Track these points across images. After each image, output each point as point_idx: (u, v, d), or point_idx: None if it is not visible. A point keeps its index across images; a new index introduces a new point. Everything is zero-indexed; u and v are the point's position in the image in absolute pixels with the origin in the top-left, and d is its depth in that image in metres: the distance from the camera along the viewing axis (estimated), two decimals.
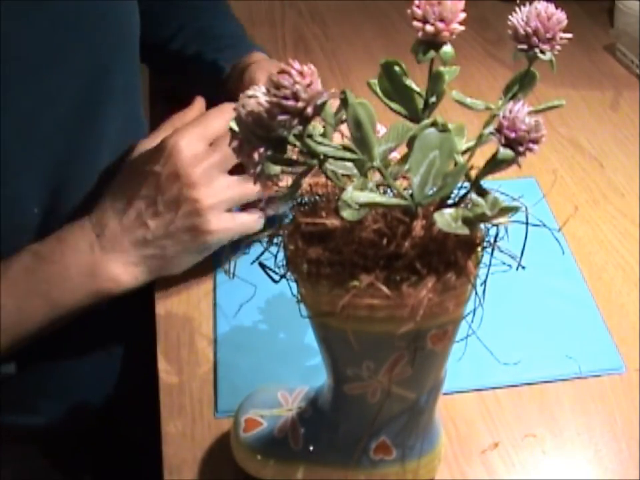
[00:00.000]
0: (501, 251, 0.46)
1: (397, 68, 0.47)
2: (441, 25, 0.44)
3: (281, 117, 0.40)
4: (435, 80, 0.46)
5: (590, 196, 0.85)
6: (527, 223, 0.46)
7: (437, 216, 0.41)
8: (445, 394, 0.59)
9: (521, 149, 0.42)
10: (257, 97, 0.42)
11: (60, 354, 0.77)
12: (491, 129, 0.43)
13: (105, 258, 0.64)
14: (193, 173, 0.64)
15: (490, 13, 1.17)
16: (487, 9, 1.17)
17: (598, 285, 0.75)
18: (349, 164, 0.45)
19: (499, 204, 0.42)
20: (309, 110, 0.40)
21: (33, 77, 0.64)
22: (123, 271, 0.64)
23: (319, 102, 0.41)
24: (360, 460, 0.56)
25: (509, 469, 0.60)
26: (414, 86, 0.47)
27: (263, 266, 0.50)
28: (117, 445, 0.81)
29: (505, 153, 0.42)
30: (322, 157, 0.44)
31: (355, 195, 0.42)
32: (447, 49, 0.45)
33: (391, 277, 0.44)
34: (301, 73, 0.40)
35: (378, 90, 0.48)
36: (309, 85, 0.40)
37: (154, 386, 0.67)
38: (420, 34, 0.44)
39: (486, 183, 0.44)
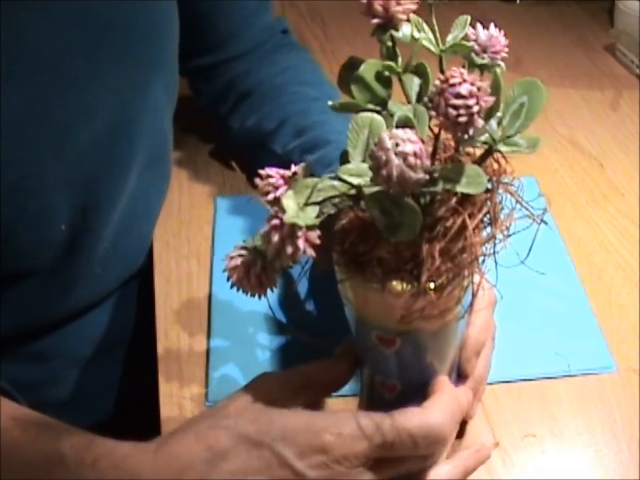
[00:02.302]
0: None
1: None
2: (396, 8, 0.45)
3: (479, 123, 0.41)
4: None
5: (590, 196, 0.85)
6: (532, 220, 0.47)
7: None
8: None
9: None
10: (402, 136, 0.41)
11: (60, 360, 0.77)
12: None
13: None
14: None
15: (490, 13, 1.17)
16: (487, 9, 1.17)
17: (598, 285, 0.75)
18: None
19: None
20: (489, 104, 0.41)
21: (70, 91, 0.63)
22: None
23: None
24: None
25: (508, 469, 0.60)
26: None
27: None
28: None
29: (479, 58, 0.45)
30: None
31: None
32: (405, 30, 0.47)
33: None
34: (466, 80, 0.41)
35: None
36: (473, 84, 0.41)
37: (154, 387, 0.67)
38: (375, 20, 0.46)
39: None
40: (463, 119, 0.40)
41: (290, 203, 0.43)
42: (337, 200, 0.44)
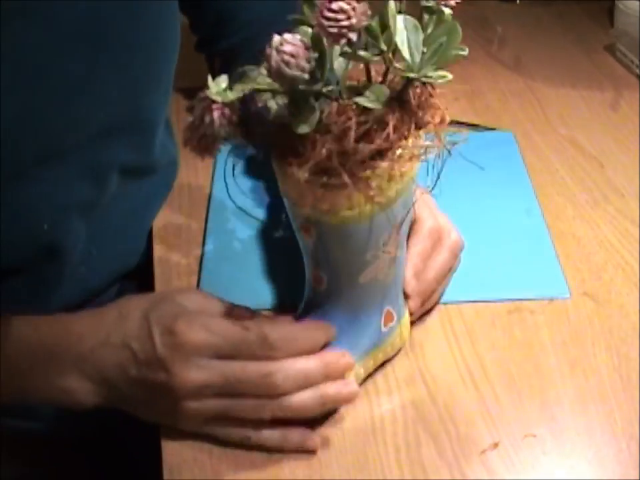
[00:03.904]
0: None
1: None
2: None
3: (351, 35, 0.47)
4: None
5: (590, 196, 0.85)
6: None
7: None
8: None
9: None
10: (287, 39, 0.48)
11: None
12: None
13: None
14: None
15: (490, 12, 1.17)
16: (487, 9, 1.17)
17: (598, 285, 0.75)
18: None
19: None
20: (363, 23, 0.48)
21: (63, 102, 0.63)
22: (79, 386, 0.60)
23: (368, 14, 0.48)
24: (377, 339, 0.63)
25: (508, 469, 0.60)
26: None
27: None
28: (117, 444, 0.80)
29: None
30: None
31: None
32: None
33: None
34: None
35: None
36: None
37: None
38: None
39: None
40: (332, 30, 0.47)
41: (219, 83, 0.51)
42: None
